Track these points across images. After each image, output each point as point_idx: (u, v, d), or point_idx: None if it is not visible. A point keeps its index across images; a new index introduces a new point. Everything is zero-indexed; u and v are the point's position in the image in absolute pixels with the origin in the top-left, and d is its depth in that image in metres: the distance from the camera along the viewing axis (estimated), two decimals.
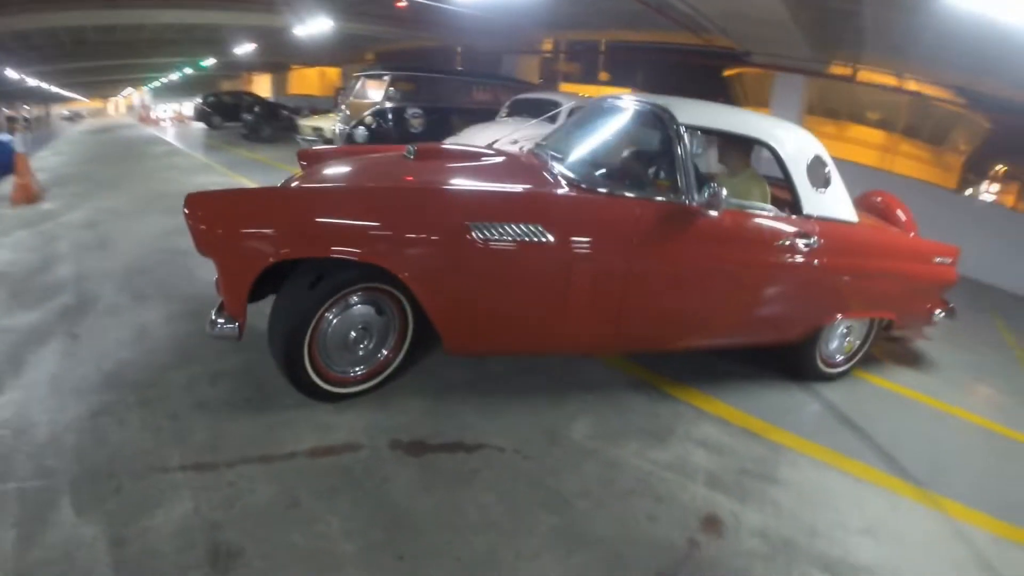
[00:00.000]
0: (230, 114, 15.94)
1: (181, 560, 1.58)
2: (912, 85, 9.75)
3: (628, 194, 2.45)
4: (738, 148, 2.90)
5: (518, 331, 2.42)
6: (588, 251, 2.29)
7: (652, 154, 2.93)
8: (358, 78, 10.10)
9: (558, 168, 2.65)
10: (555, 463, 2.17)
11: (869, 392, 3.15)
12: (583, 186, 2.46)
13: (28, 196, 5.90)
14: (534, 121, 5.71)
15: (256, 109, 13.72)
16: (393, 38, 15.18)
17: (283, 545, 1.67)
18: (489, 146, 3.43)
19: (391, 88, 9.32)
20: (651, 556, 1.79)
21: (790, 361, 3.06)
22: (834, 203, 2.81)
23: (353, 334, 2.31)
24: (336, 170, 2.81)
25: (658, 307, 2.55)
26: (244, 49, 16.69)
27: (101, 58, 17.32)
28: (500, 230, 2.15)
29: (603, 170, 2.74)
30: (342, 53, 18.15)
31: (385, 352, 2.44)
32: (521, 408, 2.50)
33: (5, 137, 7.15)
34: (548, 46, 14.74)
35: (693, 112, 2.59)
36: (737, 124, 2.77)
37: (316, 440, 2.13)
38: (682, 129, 2.47)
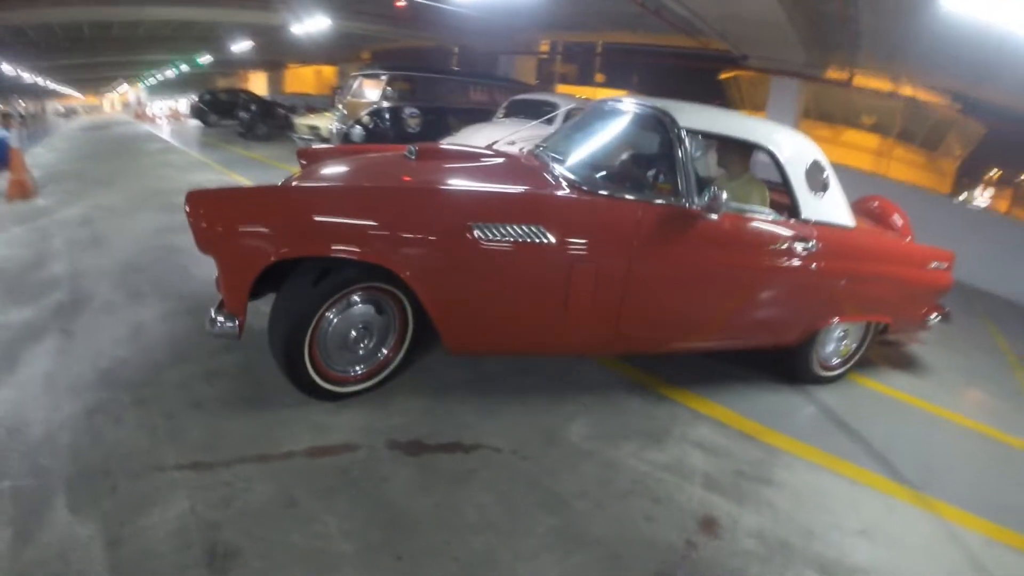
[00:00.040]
0: (226, 112, 15.86)
1: (178, 560, 1.57)
2: (907, 90, 9.83)
3: (629, 196, 2.46)
4: (737, 152, 2.91)
5: (518, 331, 2.42)
6: (590, 252, 2.29)
7: (652, 157, 2.94)
8: (355, 77, 10.08)
9: (559, 170, 2.66)
10: (553, 464, 2.17)
11: (864, 395, 3.17)
12: (584, 188, 2.47)
13: (23, 192, 5.87)
14: (532, 124, 5.72)
15: (252, 107, 13.67)
16: (390, 37, 15.18)
17: (281, 545, 1.66)
18: (489, 147, 3.43)
19: (388, 88, 9.31)
20: (649, 556, 1.80)
21: (786, 364, 3.07)
22: (832, 208, 2.83)
23: (353, 333, 2.30)
24: (337, 169, 2.81)
25: (658, 309, 2.55)
26: (241, 46, 16.62)
27: (97, 54, 17.24)
28: (502, 230, 2.16)
29: (603, 172, 2.74)
30: (338, 52, 18.14)
31: (385, 351, 2.44)
32: (518, 408, 2.50)
33: (0, 132, 7.10)
34: (545, 47, 14.77)
35: (694, 116, 2.61)
36: (737, 128, 2.79)
37: (313, 440, 2.12)
38: (683, 133, 2.49)
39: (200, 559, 1.58)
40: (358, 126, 8.94)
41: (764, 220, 2.65)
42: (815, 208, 2.75)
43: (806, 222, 2.72)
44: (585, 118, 3.30)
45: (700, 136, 2.63)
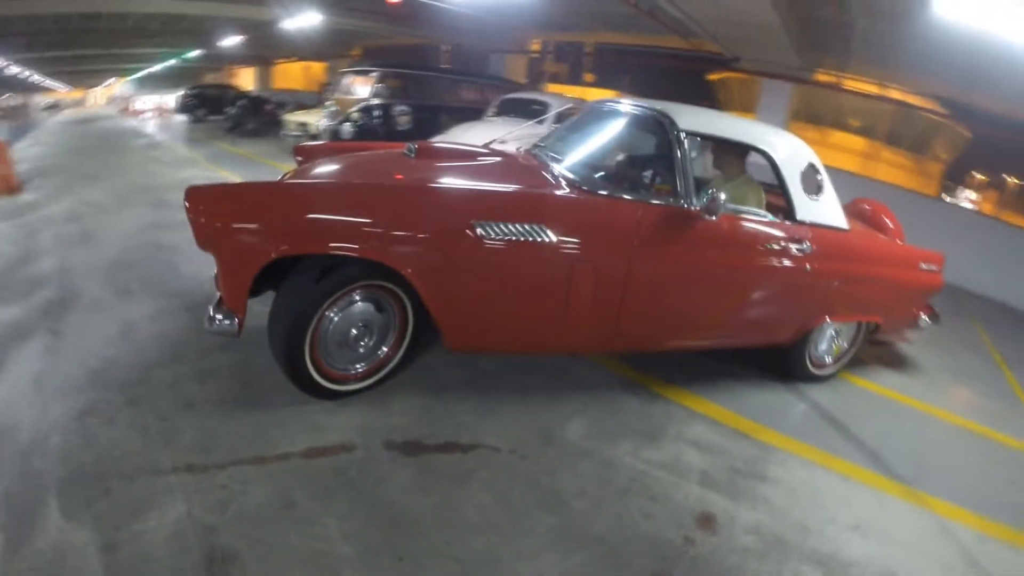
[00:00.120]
0: (214, 107, 15.65)
1: (175, 565, 1.55)
2: (896, 94, 9.95)
3: (628, 197, 2.47)
4: (734, 154, 2.93)
5: (518, 329, 2.42)
6: (590, 252, 2.30)
7: (649, 158, 2.95)
8: (346, 73, 9.99)
9: (558, 169, 2.66)
10: (551, 463, 2.17)
11: (856, 394, 3.21)
12: (584, 188, 2.48)
13: (8, 187, 5.75)
14: (525, 124, 5.71)
15: (240, 102, 13.48)
16: (382, 34, 15.07)
17: (280, 548, 1.64)
18: (486, 146, 3.42)
19: (379, 84, 9.24)
20: (648, 554, 1.81)
21: (780, 362, 3.11)
22: (826, 210, 2.86)
23: (354, 331, 2.29)
24: (335, 167, 2.78)
25: (657, 308, 2.57)
26: (230, 41, 16.41)
27: (85, 47, 16.91)
28: (504, 229, 2.15)
29: (601, 173, 2.75)
30: (328, 48, 17.97)
31: (385, 349, 2.42)
32: (516, 408, 2.50)
33: None
34: (536, 46, 14.75)
35: (693, 118, 2.63)
36: (734, 131, 2.81)
37: (310, 440, 2.10)
38: (683, 135, 2.50)
39: (198, 563, 1.56)
40: (348, 123, 8.87)
41: (760, 221, 2.67)
42: (810, 210, 2.78)
43: (801, 224, 2.74)
44: (583, 118, 3.30)
45: (698, 138, 2.64)
